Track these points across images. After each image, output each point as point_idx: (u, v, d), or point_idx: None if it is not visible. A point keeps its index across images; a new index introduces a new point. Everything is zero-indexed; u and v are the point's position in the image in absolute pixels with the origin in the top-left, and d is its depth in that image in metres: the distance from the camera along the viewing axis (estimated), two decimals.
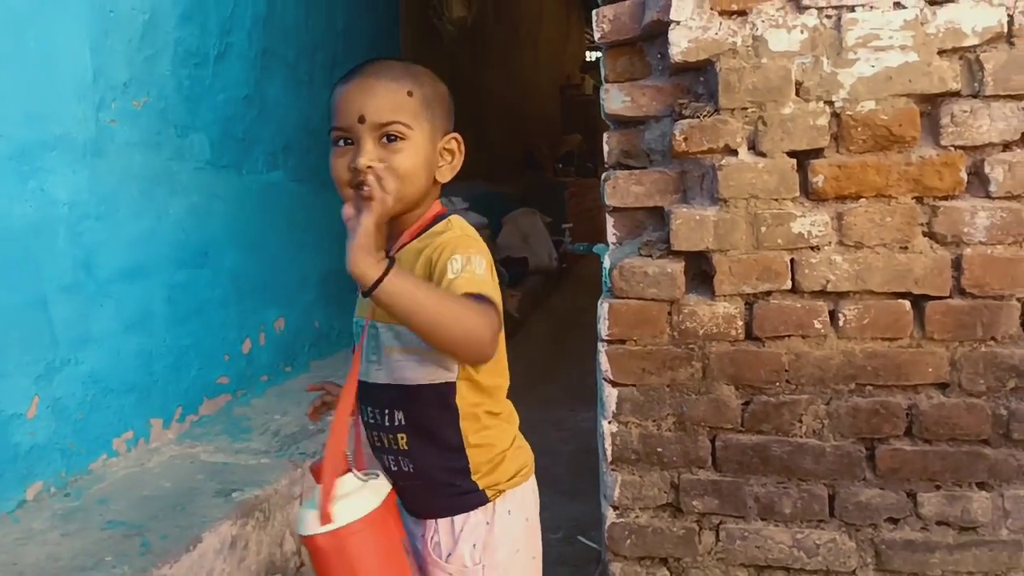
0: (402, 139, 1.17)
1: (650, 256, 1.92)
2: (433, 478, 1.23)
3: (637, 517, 1.99)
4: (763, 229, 1.84)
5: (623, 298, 1.93)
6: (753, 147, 1.84)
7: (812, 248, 1.83)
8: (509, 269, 5.63)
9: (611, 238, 2.07)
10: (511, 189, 7.61)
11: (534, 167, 9.13)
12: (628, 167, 2.02)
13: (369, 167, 1.12)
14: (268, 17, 3.23)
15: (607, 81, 2.02)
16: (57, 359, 2.20)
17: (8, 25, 2.08)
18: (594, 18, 2.03)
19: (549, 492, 2.94)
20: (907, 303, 1.83)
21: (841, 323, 1.84)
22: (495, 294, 1.13)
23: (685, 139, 1.86)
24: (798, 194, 1.83)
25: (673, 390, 1.93)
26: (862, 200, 1.82)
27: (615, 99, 1.99)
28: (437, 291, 1.08)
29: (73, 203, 2.22)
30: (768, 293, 1.86)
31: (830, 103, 1.81)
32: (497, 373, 1.27)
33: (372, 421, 1.24)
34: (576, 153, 10.39)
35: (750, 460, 1.92)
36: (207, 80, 2.83)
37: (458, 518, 1.23)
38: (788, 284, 1.85)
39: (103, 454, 2.38)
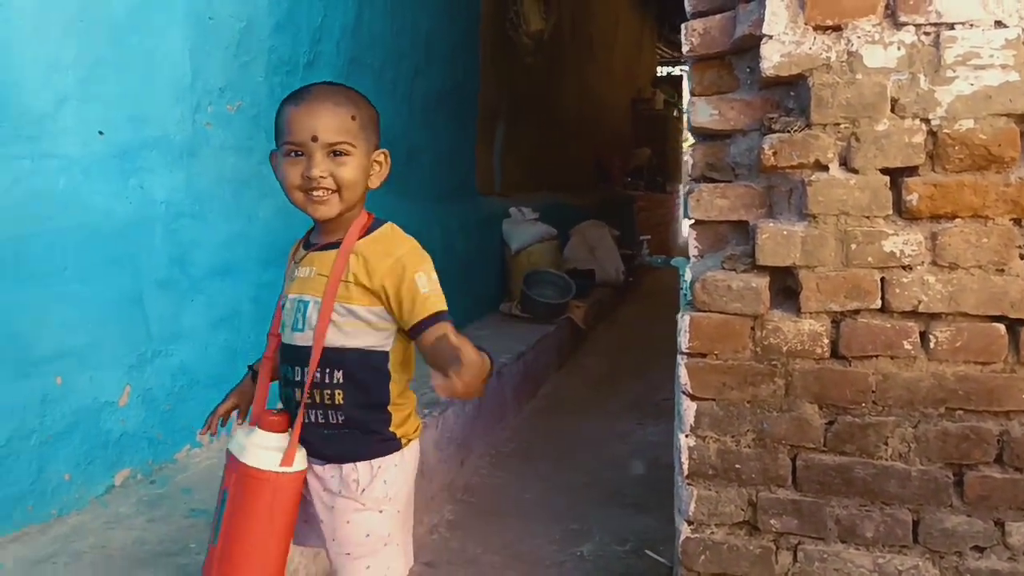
0: (347, 155, 1.40)
1: (734, 270, 1.90)
2: (361, 427, 1.44)
3: (712, 533, 1.97)
4: (853, 246, 1.81)
5: (705, 311, 1.92)
6: (845, 163, 1.82)
7: (904, 267, 1.79)
8: (576, 280, 5.62)
9: (692, 251, 2.06)
10: (581, 201, 7.61)
11: (604, 180, 9.11)
12: (712, 180, 2.01)
13: (321, 177, 1.37)
14: (356, 27, 3.31)
15: (694, 94, 2.02)
16: (149, 351, 2.29)
17: (114, 31, 2.18)
18: (683, 32, 2.03)
19: (615, 505, 2.98)
20: (1002, 327, 1.77)
21: (932, 345, 1.80)
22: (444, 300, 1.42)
23: (774, 153, 1.85)
24: (891, 212, 1.80)
25: (754, 406, 1.91)
26: (957, 220, 1.77)
27: (702, 112, 1.99)
28: (466, 351, 1.30)
29: (169, 202, 2.31)
30: (856, 312, 1.83)
31: (926, 120, 1.78)
32: (411, 355, 1.51)
33: (300, 378, 1.43)
34: (646, 167, 10.34)
35: (832, 481, 1.88)
36: (297, 87, 2.91)
37: (376, 460, 1.45)
38: (878, 303, 1.81)
39: (187, 444, 2.46)
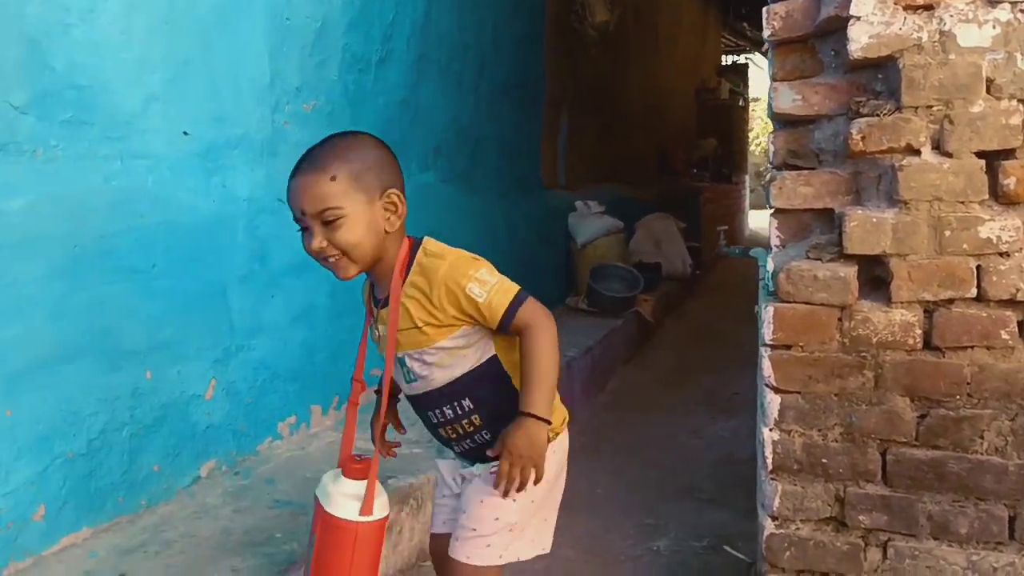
0: (338, 219, 1.37)
1: (820, 259, 1.85)
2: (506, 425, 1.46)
3: (798, 529, 1.92)
4: (947, 233, 1.74)
5: (789, 302, 1.88)
6: (938, 147, 1.75)
7: (1001, 254, 1.72)
8: (642, 273, 5.57)
9: (774, 240, 2.01)
10: (645, 194, 7.53)
11: (668, 172, 9.00)
12: (795, 167, 1.97)
13: (321, 249, 1.39)
14: (425, 22, 3.33)
15: (775, 79, 1.97)
16: (233, 345, 2.34)
17: (197, 34, 2.23)
18: (764, 15, 1.98)
19: (690, 500, 2.94)
20: None
21: None
22: (510, 283, 1.45)
23: (863, 138, 1.79)
24: (986, 197, 1.73)
25: (841, 399, 1.86)
26: None
27: (785, 97, 1.94)
28: (533, 369, 1.42)
29: (251, 199, 2.36)
30: (950, 301, 1.77)
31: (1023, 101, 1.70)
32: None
33: (438, 420, 1.51)
34: (711, 158, 10.19)
35: (924, 476, 1.83)
36: (369, 84, 2.94)
37: None
38: (973, 292, 1.75)
39: (268, 437, 2.51)
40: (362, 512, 1.43)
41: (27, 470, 1.79)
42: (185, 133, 2.20)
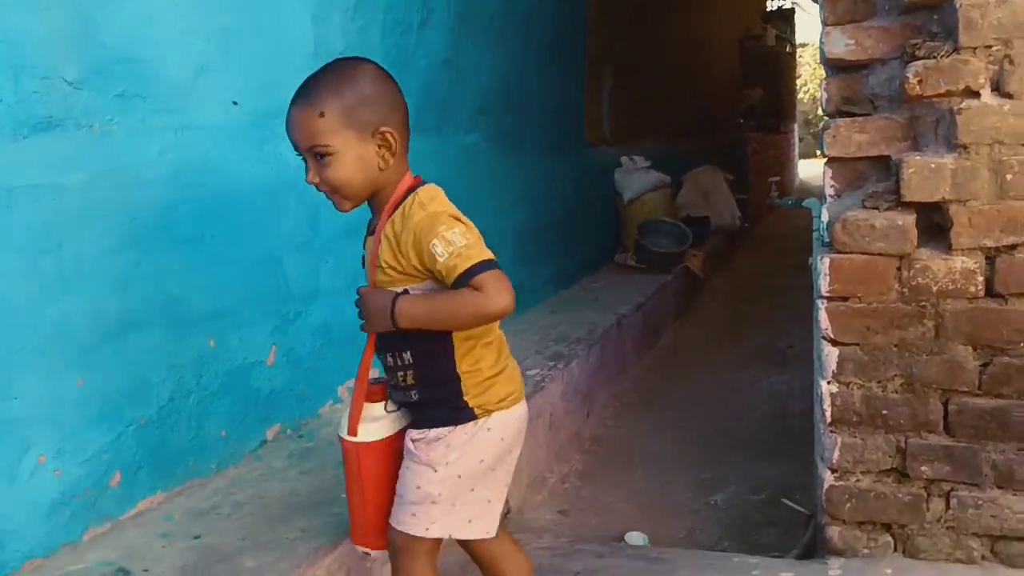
0: (327, 155, 1.39)
1: (876, 208, 1.82)
2: (433, 402, 1.49)
3: (858, 481, 1.92)
4: (1009, 177, 1.70)
5: (846, 253, 1.85)
6: (998, 88, 1.71)
7: None
8: (691, 228, 5.51)
9: (828, 190, 1.98)
10: (691, 147, 7.42)
11: (714, 123, 8.84)
12: (849, 114, 1.92)
13: (314, 183, 1.43)
14: None
15: (827, 24, 1.93)
16: (291, 311, 2.38)
17: (243, 3, 2.24)
18: None
19: (745, 454, 2.94)
20: None
21: None
22: (480, 253, 1.36)
23: (920, 82, 1.75)
24: None
25: (901, 350, 1.84)
26: None
27: (836, 42, 1.89)
28: (435, 305, 1.39)
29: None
30: (1013, 247, 1.73)
31: None
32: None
33: (390, 364, 1.51)
34: (758, 108, 9.97)
35: (987, 425, 1.81)
36: (411, 47, 2.94)
37: (443, 429, 1.48)
38: None
39: (329, 400, 2.57)
40: (349, 432, 1.51)
41: (102, 438, 1.85)
42: (235, 103, 2.23)
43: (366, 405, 1.53)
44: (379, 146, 1.42)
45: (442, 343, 1.45)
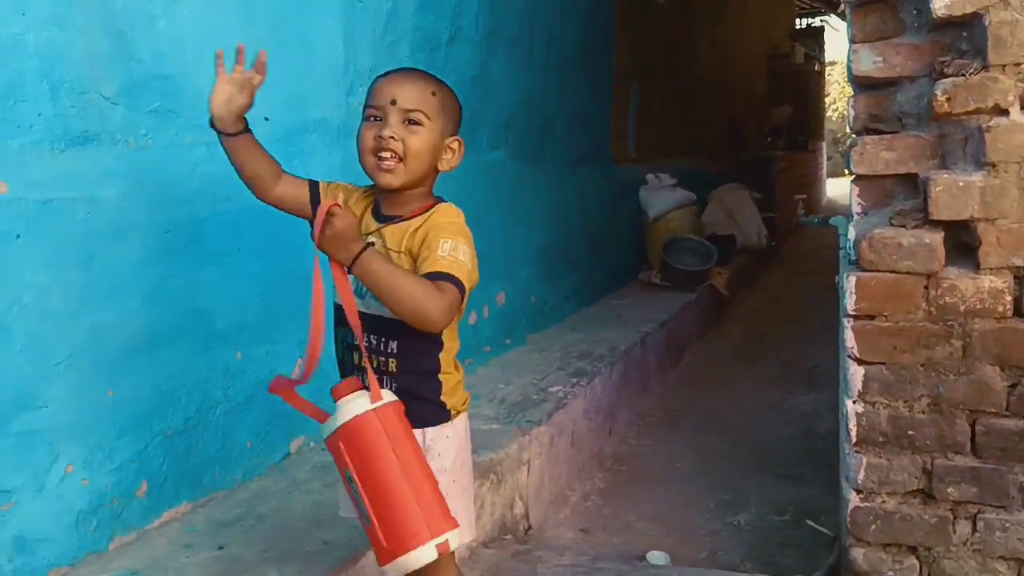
0: (420, 124, 1.45)
1: (904, 226, 1.81)
2: (412, 394, 1.46)
3: (883, 502, 1.90)
4: None
5: (872, 271, 1.84)
6: None
7: None
8: (716, 246, 5.49)
9: (855, 208, 1.97)
10: (717, 165, 7.41)
11: (740, 141, 8.82)
12: (876, 132, 1.92)
13: (392, 137, 1.43)
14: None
15: (855, 41, 1.92)
16: None
17: (274, 21, 2.28)
18: None
19: (769, 474, 2.91)
20: None
21: None
22: (467, 279, 1.40)
23: (948, 99, 1.74)
24: None
25: (928, 369, 1.82)
26: None
27: (865, 60, 1.89)
28: (400, 273, 1.37)
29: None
30: None
31: None
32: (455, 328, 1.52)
33: (371, 345, 1.48)
34: (786, 126, 9.93)
35: (1016, 446, 1.78)
36: (440, 63, 2.97)
37: (428, 430, 1.47)
38: None
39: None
40: (373, 400, 1.37)
41: (129, 448, 1.88)
42: (266, 119, 2.26)
43: (353, 393, 1.40)
44: (448, 148, 1.51)
45: (431, 339, 1.47)
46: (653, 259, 5.37)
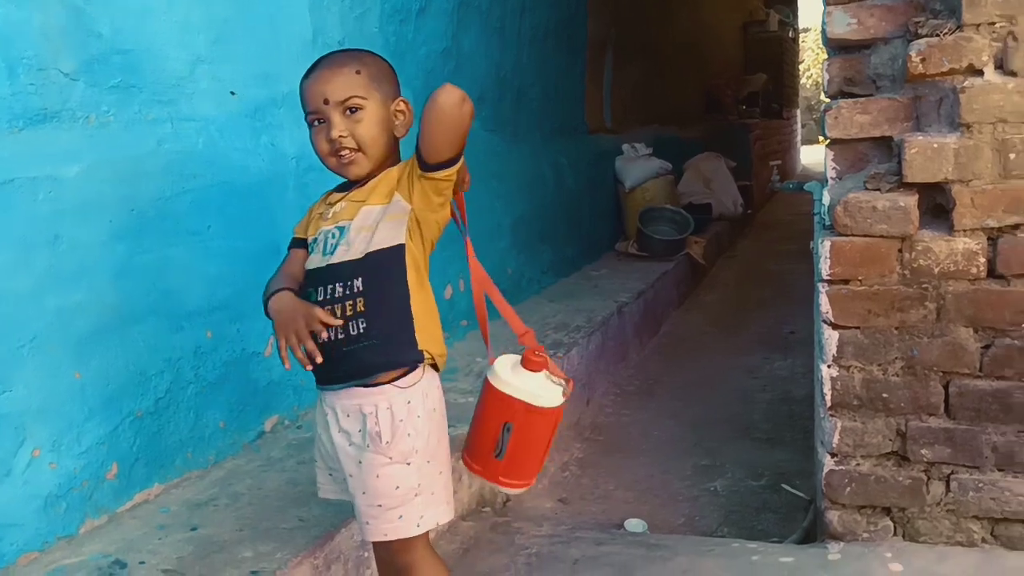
0: (360, 109, 1.43)
1: (878, 189, 1.81)
2: (384, 332, 1.43)
3: (858, 465, 1.91)
4: (1012, 156, 1.68)
5: (847, 235, 1.84)
6: (1001, 66, 1.69)
7: None
8: (692, 215, 5.49)
9: (830, 172, 1.96)
10: (693, 133, 7.39)
11: (716, 110, 8.81)
12: (851, 95, 1.91)
13: (341, 136, 1.42)
14: None
15: (829, 3, 1.91)
16: None
17: None
18: None
19: (748, 439, 2.93)
20: None
21: None
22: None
23: (923, 60, 1.73)
24: None
25: (902, 332, 1.82)
26: None
27: (839, 22, 1.87)
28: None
29: (299, 156, 2.37)
30: (1016, 227, 1.71)
31: None
32: (425, 269, 1.51)
33: (325, 297, 1.44)
34: (761, 94, 9.92)
35: (988, 407, 1.79)
36: (410, 35, 2.92)
37: (396, 409, 1.42)
38: None
39: None
40: (564, 396, 1.50)
41: (99, 430, 1.85)
42: (232, 93, 2.22)
43: (543, 374, 1.50)
44: (396, 113, 1.48)
45: (397, 272, 1.44)
46: (630, 229, 5.36)
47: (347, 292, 1.43)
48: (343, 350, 1.43)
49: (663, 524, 2.39)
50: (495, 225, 3.59)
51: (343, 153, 1.44)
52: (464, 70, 3.36)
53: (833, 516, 1.95)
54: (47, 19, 1.79)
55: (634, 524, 2.35)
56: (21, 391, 1.68)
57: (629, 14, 5.80)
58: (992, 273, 1.75)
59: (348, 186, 1.51)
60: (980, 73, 1.70)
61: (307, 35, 2.43)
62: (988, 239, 1.74)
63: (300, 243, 1.57)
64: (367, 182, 1.48)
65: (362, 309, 1.43)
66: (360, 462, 1.45)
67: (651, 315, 4.39)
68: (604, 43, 5.34)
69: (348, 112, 1.43)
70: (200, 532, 1.81)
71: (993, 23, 1.68)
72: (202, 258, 2.10)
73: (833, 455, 1.93)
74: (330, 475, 1.58)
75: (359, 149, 1.45)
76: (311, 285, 1.49)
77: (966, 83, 1.70)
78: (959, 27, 1.70)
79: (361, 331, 1.42)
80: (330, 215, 1.50)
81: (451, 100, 1.34)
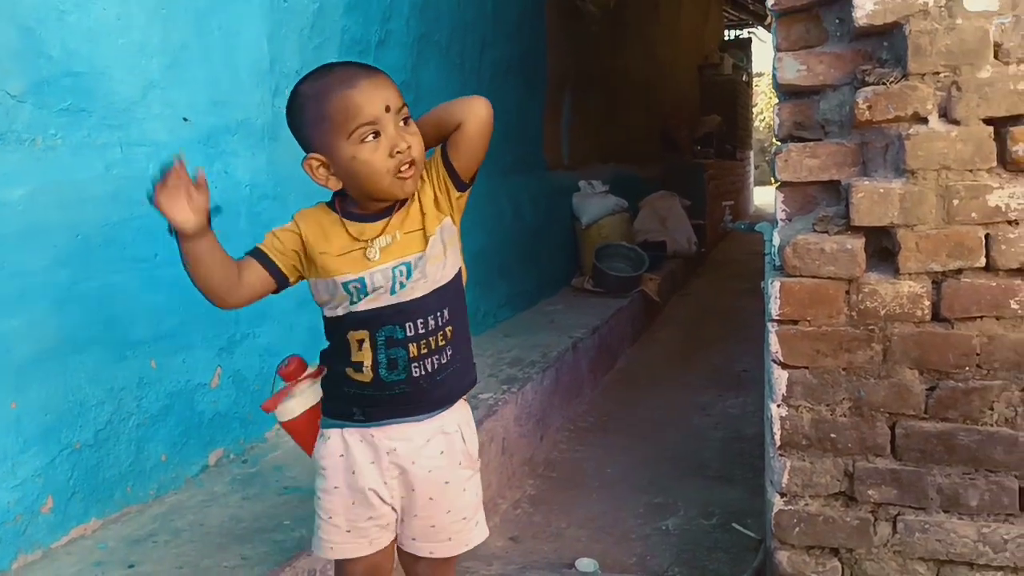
0: (410, 119, 1.35)
1: (826, 232, 1.84)
2: (463, 355, 1.45)
3: (807, 505, 1.92)
4: (955, 202, 1.72)
5: (796, 276, 1.86)
6: (945, 115, 1.73)
7: (1010, 223, 1.70)
8: (647, 252, 5.54)
9: (780, 214, 1.99)
10: (648, 172, 7.50)
11: (672, 149, 8.95)
12: (801, 139, 1.94)
13: (409, 148, 1.30)
14: (425, 3, 3.30)
15: (780, 50, 1.95)
16: (238, 333, 2.33)
17: (195, 18, 2.21)
18: None
19: (699, 477, 2.94)
20: None
21: None
22: None
23: (869, 107, 1.77)
24: (995, 164, 1.71)
25: (850, 373, 1.84)
26: None
27: (789, 68, 1.91)
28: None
29: (253, 184, 2.35)
30: (959, 271, 1.75)
31: None
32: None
33: (416, 332, 1.38)
34: (716, 135, 10.12)
35: (934, 449, 1.81)
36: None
37: (463, 414, 1.47)
38: (982, 261, 1.73)
39: (276, 424, 2.50)
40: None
41: (34, 462, 1.78)
42: (185, 119, 2.19)
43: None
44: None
45: (462, 288, 1.46)
46: (586, 265, 5.39)
47: (438, 323, 1.40)
48: (436, 380, 1.41)
49: (615, 563, 2.37)
50: None
51: (405, 168, 1.31)
52: (423, 103, 3.33)
53: (783, 557, 1.95)
54: None
55: (585, 564, 2.32)
56: None
57: (588, 52, 5.89)
58: (936, 316, 1.78)
59: (362, 212, 1.38)
60: (925, 121, 1.74)
61: (264, 63, 2.42)
62: (932, 282, 1.77)
63: (263, 260, 1.42)
64: (400, 206, 1.38)
65: (451, 337, 1.42)
66: (447, 482, 1.45)
67: (606, 351, 4.40)
68: (563, 80, 5.41)
69: (404, 121, 1.33)
70: (138, 570, 1.75)
71: (937, 72, 1.73)
72: (148, 286, 2.06)
73: (782, 495, 1.93)
74: (362, 527, 1.45)
75: (414, 162, 1.33)
76: (389, 323, 1.37)
77: (911, 130, 1.74)
78: (905, 76, 1.75)
79: (448, 358, 1.42)
80: (377, 253, 1.36)
81: (489, 112, 1.37)
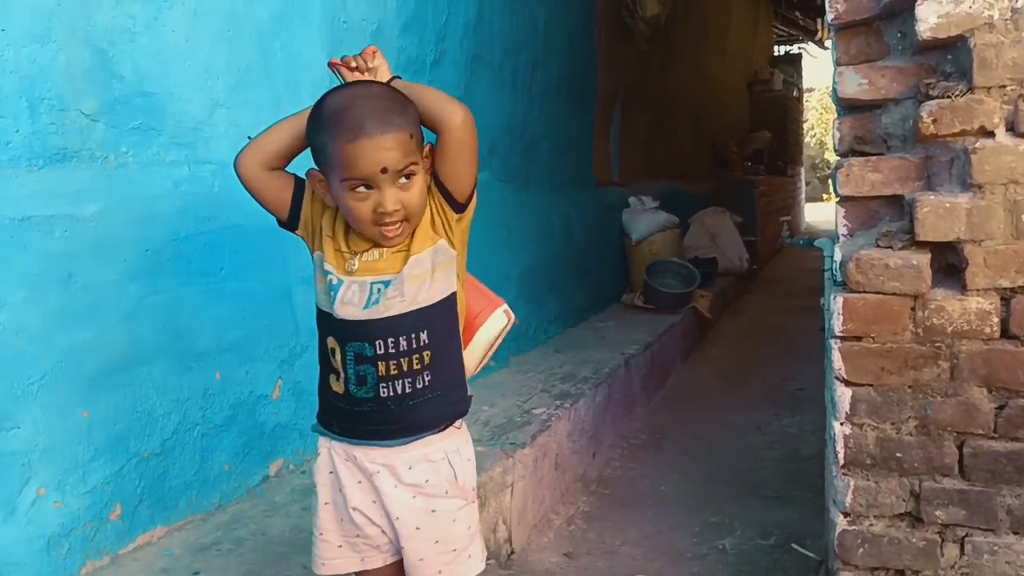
0: (414, 175, 1.30)
1: (890, 247, 1.81)
2: (447, 381, 1.40)
3: (871, 525, 1.88)
4: None
5: (859, 292, 1.83)
6: (1012, 128, 1.70)
7: None
8: (699, 269, 5.50)
9: (841, 229, 1.97)
10: (699, 188, 7.45)
11: (722, 165, 8.89)
12: (862, 153, 1.92)
13: (396, 210, 1.29)
14: (478, 23, 3.34)
15: (840, 64, 1.93)
16: (298, 345, 2.37)
17: (258, 38, 2.27)
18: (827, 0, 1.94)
19: (756, 497, 2.89)
20: None
21: None
22: None
23: (934, 121, 1.74)
24: None
25: (915, 391, 1.81)
26: None
27: (850, 82, 1.89)
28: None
29: None
30: None
31: None
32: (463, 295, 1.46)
33: (386, 351, 1.35)
34: (766, 151, 10.03)
35: (1003, 468, 1.77)
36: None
37: (461, 446, 1.42)
38: None
39: None
40: None
41: (104, 470, 1.84)
42: (249, 138, 2.24)
43: None
44: (425, 159, 1.35)
45: (453, 314, 1.39)
46: (636, 281, 5.37)
47: (413, 345, 1.36)
48: (408, 404, 1.37)
49: None
50: (504, 275, 3.60)
51: (391, 225, 1.30)
52: (476, 121, 3.40)
53: None
54: (71, 60, 1.82)
55: None
56: (28, 429, 1.67)
57: (637, 70, 5.90)
58: (1005, 333, 1.74)
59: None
60: (992, 135, 1.71)
61: (323, 83, 2.47)
62: (1001, 299, 1.73)
63: (297, 190, 1.45)
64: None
65: (428, 363, 1.37)
66: (433, 511, 1.40)
67: (658, 368, 4.37)
68: (613, 98, 5.42)
69: (403, 179, 1.29)
70: None
71: (1004, 86, 1.70)
72: (213, 299, 2.11)
73: (846, 515, 1.90)
74: (352, 542, 1.44)
75: (406, 219, 1.31)
76: (359, 339, 1.36)
77: (978, 144, 1.71)
78: (970, 89, 1.72)
79: (427, 383, 1.38)
80: (356, 264, 1.36)
81: (464, 118, 1.32)
